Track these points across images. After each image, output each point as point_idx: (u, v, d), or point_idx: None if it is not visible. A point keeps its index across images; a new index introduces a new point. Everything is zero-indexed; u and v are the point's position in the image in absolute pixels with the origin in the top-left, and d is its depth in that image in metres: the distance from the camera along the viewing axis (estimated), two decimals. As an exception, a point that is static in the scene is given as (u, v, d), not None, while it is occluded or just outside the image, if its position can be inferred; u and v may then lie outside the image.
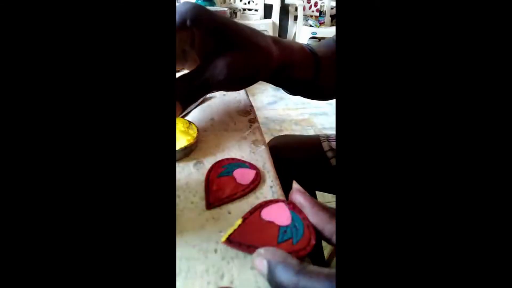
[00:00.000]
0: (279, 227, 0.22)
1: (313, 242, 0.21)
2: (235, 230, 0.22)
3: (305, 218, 0.22)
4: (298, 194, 0.23)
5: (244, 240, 0.21)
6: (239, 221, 0.23)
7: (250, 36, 0.30)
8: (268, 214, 0.23)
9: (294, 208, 0.23)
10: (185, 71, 0.30)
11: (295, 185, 0.24)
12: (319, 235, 0.22)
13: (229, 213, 0.25)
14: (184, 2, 0.29)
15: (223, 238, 0.21)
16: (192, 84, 0.28)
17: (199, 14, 0.28)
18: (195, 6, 0.29)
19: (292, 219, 0.23)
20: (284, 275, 0.18)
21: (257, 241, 0.21)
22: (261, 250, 0.19)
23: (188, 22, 0.28)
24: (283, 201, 0.25)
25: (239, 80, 0.31)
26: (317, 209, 0.22)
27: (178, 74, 0.59)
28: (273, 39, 0.34)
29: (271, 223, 0.23)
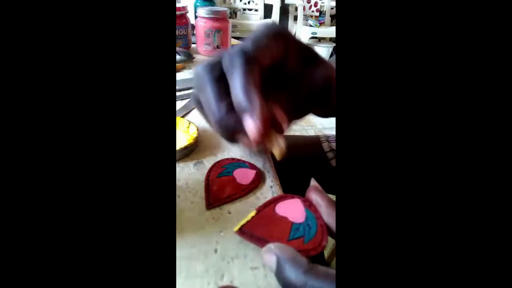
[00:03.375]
0: (292, 223, 0.22)
1: (324, 243, 0.21)
2: (248, 221, 0.22)
3: (319, 217, 0.22)
4: (315, 192, 0.23)
5: (256, 232, 0.21)
6: (252, 213, 0.23)
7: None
8: (282, 209, 0.23)
9: (310, 206, 0.23)
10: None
11: (313, 182, 0.24)
12: (332, 235, 0.22)
13: (229, 213, 0.25)
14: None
15: (236, 228, 0.21)
16: (298, 96, 0.28)
17: (289, 33, 0.28)
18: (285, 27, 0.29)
19: (306, 217, 0.22)
20: (293, 273, 0.18)
21: (268, 235, 0.21)
22: (270, 245, 0.19)
23: (283, 32, 0.27)
24: (299, 197, 0.24)
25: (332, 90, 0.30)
26: (332, 209, 0.22)
27: (178, 75, 0.58)
28: None
29: (284, 218, 0.22)
